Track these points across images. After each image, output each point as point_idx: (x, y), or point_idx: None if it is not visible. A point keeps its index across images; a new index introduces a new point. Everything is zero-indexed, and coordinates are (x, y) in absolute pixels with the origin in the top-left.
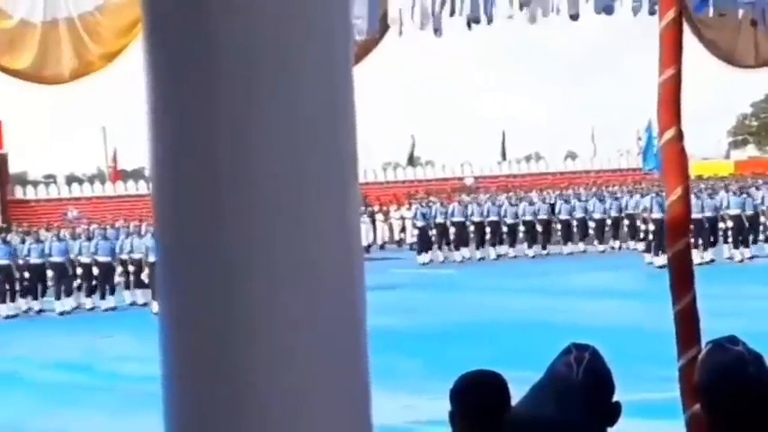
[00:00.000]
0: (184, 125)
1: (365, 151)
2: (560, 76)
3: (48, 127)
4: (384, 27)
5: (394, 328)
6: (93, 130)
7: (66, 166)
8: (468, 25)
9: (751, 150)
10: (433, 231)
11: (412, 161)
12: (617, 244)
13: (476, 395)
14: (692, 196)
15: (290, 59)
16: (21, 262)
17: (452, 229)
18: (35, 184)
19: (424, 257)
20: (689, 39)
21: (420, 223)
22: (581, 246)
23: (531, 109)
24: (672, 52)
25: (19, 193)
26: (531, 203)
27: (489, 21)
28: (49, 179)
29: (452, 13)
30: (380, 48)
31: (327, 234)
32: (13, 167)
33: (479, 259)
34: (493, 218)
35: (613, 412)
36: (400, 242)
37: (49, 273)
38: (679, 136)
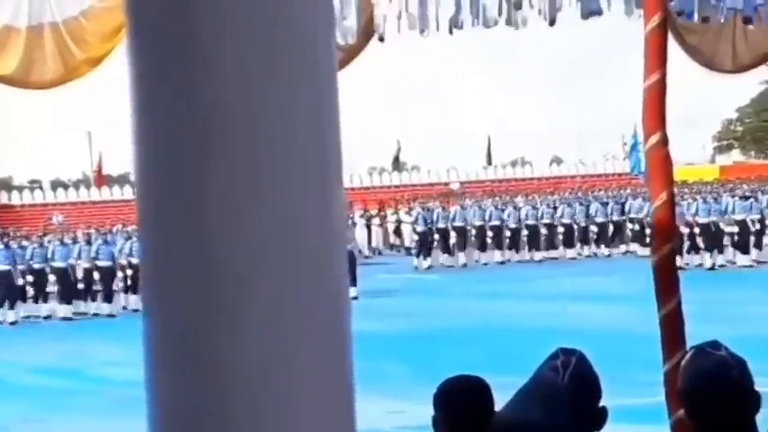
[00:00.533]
0: (168, 130)
1: (350, 156)
2: (546, 81)
3: (33, 132)
4: (369, 31)
5: (398, 333)
6: (79, 135)
7: (51, 172)
8: (450, 30)
9: (736, 155)
10: (435, 236)
11: (398, 166)
12: (625, 248)
13: (459, 400)
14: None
15: (274, 63)
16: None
17: (453, 234)
18: (20, 189)
19: (425, 262)
20: (673, 44)
21: (421, 228)
22: (586, 249)
23: (516, 114)
24: (657, 57)
25: (4, 198)
26: (535, 208)
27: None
28: (35, 184)
29: (438, 17)
30: (365, 52)
31: (312, 238)
32: None
33: (484, 264)
34: (495, 222)
35: (600, 417)
36: (393, 246)
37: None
38: (664, 141)
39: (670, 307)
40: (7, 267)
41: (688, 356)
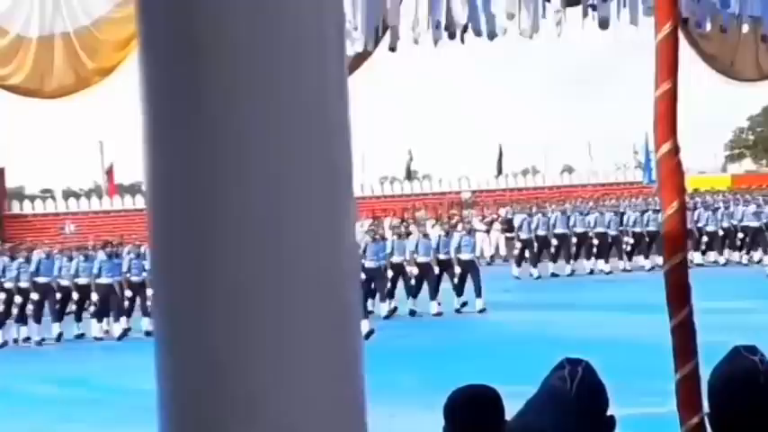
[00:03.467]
0: (179, 139)
1: (362, 165)
2: (557, 90)
3: (45, 141)
4: (380, 38)
5: None
6: (91, 145)
7: (63, 181)
8: (462, 40)
9: (747, 164)
10: (535, 244)
11: (409, 175)
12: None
13: (469, 410)
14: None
15: (284, 72)
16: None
17: (554, 242)
18: (32, 198)
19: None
20: (685, 52)
21: (524, 235)
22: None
23: (527, 123)
24: (668, 66)
25: (16, 207)
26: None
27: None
28: (46, 194)
29: (449, 26)
30: (377, 61)
31: (323, 249)
32: (10, 182)
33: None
34: (600, 229)
35: (608, 426)
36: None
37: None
38: (675, 150)
39: (681, 316)
40: (110, 281)
41: (725, 356)
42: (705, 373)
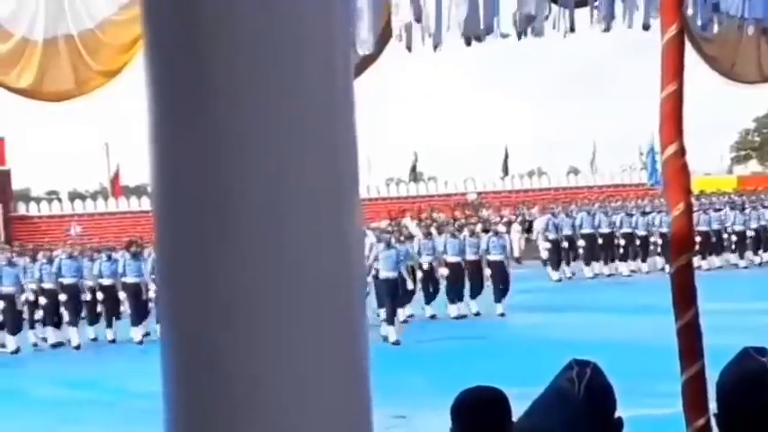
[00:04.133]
0: (185, 141)
1: (367, 167)
2: (563, 91)
3: (50, 143)
4: (386, 41)
5: None
6: (96, 147)
7: (68, 183)
8: (468, 42)
9: (753, 166)
10: (564, 244)
11: (415, 177)
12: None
13: (476, 412)
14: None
15: (289, 73)
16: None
17: (582, 242)
18: (38, 200)
19: (556, 274)
20: (691, 54)
21: (552, 236)
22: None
23: (533, 124)
24: (674, 67)
25: (22, 209)
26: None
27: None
28: (52, 195)
29: (449, 28)
30: (382, 62)
31: (328, 251)
32: (16, 184)
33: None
34: (626, 230)
35: (616, 427)
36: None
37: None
38: (681, 152)
39: (687, 318)
40: (137, 280)
41: (734, 356)
42: (715, 375)
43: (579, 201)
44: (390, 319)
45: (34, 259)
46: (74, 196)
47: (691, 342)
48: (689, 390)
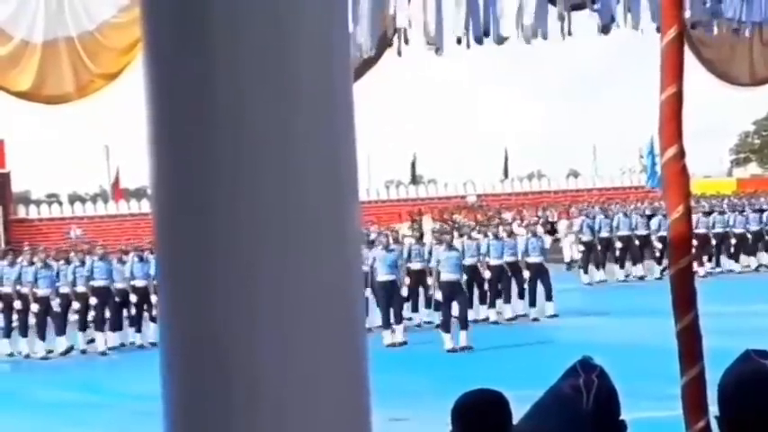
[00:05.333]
0: (184, 144)
1: (367, 169)
2: (562, 93)
3: (50, 146)
4: (385, 44)
5: None
6: (96, 149)
7: (68, 185)
8: (468, 45)
9: (753, 168)
10: (599, 246)
11: (414, 179)
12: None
13: (477, 414)
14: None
15: (289, 76)
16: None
17: (618, 244)
18: (38, 203)
19: (589, 277)
20: (690, 57)
21: (586, 238)
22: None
23: (533, 127)
24: (673, 70)
25: (22, 212)
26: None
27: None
28: (52, 198)
29: (454, 31)
30: (382, 65)
31: (328, 252)
32: (16, 186)
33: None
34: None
35: (620, 431)
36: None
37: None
38: (681, 154)
39: (687, 320)
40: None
41: (736, 359)
42: (716, 377)
43: (579, 203)
44: (464, 324)
45: (68, 262)
46: (74, 199)
47: (690, 344)
48: (689, 392)
